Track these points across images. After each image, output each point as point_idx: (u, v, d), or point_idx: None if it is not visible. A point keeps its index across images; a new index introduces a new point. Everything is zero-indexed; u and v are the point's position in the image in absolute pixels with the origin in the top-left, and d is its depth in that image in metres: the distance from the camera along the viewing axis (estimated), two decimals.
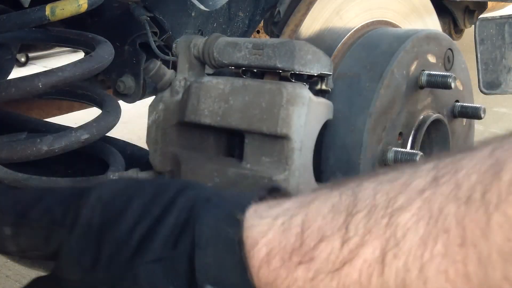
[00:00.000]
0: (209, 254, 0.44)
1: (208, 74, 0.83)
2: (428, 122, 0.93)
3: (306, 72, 0.75)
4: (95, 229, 0.49)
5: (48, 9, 0.99)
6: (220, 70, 0.84)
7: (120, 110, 1.11)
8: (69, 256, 0.50)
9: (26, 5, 1.00)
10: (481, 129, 2.72)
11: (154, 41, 1.20)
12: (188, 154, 0.79)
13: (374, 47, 0.93)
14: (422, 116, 0.93)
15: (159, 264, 0.45)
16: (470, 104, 1.01)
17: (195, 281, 0.44)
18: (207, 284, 0.43)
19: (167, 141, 0.81)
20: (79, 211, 0.50)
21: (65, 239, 0.50)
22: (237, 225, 0.44)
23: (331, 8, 0.95)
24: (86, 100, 1.26)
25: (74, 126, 1.02)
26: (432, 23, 1.18)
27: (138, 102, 1.38)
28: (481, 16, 1.94)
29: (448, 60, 0.98)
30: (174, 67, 0.84)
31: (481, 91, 1.26)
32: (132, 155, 1.25)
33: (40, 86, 0.94)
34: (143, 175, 0.88)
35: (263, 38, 1.32)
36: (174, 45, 0.83)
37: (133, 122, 3.54)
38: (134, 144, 1.29)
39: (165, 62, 1.26)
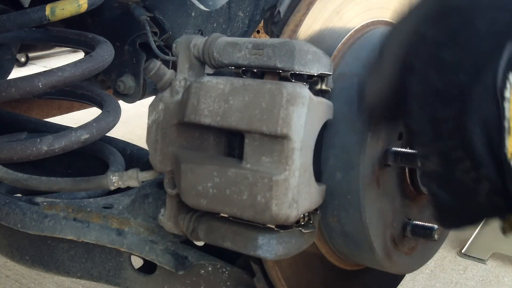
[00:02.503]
0: None
1: (208, 74, 0.83)
2: None
3: (306, 72, 0.75)
4: None
5: (48, 9, 0.99)
6: (220, 70, 0.83)
7: (120, 110, 1.11)
8: None
9: (26, 5, 1.00)
10: None
11: (154, 41, 1.20)
12: (188, 154, 0.79)
13: (374, 47, 0.93)
14: None
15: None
16: None
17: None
18: None
19: (167, 141, 0.81)
20: None
21: None
22: None
23: (331, 8, 0.95)
24: (86, 100, 1.26)
25: (74, 126, 1.02)
26: None
27: (137, 102, 1.38)
28: None
29: None
30: (174, 67, 0.84)
31: None
32: (132, 155, 1.25)
33: (40, 86, 0.95)
34: (143, 175, 0.88)
35: (263, 38, 1.32)
36: (174, 45, 0.83)
37: (132, 122, 3.54)
38: (134, 144, 1.29)
39: (165, 62, 1.26)
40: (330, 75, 0.80)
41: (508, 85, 0.41)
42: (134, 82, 1.30)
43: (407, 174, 0.93)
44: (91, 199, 1.02)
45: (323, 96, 0.80)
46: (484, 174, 0.43)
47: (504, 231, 0.45)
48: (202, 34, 1.28)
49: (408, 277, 1.99)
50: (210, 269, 0.94)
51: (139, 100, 1.35)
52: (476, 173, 0.44)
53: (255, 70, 0.78)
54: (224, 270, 0.94)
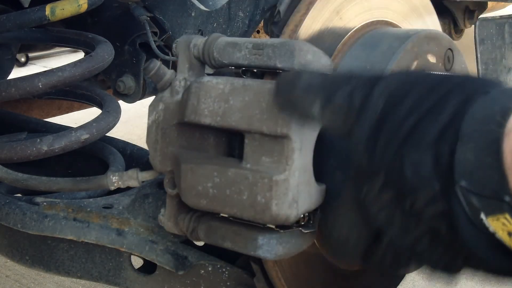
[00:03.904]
0: (469, 149, 0.41)
1: (208, 74, 0.83)
2: None
3: None
4: (378, 115, 0.51)
5: (48, 9, 0.99)
6: (220, 70, 0.83)
7: (120, 110, 1.11)
8: (358, 137, 0.54)
9: (26, 5, 1.00)
10: None
11: (154, 41, 1.20)
12: (188, 154, 0.79)
13: (374, 47, 0.93)
14: None
15: (425, 154, 0.45)
16: None
17: (453, 176, 0.42)
18: (462, 180, 0.41)
19: (167, 141, 0.81)
20: (370, 96, 0.53)
21: (356, 121, 0.54)
22: (502, 123, 0.40)
23: (331, 8, 0.95)
24: (86, 100, 1.26)
25: (74, 126, 1.02)
26: (432, 23, 1.18)
27: (137, 102, 1.38)
28: (481, 16, 1.94)
29: (448, 60, 0.98)
30: (174, 67, 0.84)
31: None
32: (132, 155, 1.25)
33: (40, 86, 0.95)
34: (143, 175, 0.88)
35: (263, 38, 1.32)
36: (174, 45, 0.83)
37: (132, 122, 3.54)
38: (134, 144, 1.29)
39: (165, 62, 1.26)
40: None
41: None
42: (134, 82, 1.30)
43: None
44: (91, 199, 1.02)
45: None
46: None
47: None
48: (202, 34, 1.28)
49: (408, 277, 1.99)
50: (210, 269, 0.94)
51: (139, 100, 1.35)
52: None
53: (255, 70, 0.78)
54: (224, 270, 0.94)
